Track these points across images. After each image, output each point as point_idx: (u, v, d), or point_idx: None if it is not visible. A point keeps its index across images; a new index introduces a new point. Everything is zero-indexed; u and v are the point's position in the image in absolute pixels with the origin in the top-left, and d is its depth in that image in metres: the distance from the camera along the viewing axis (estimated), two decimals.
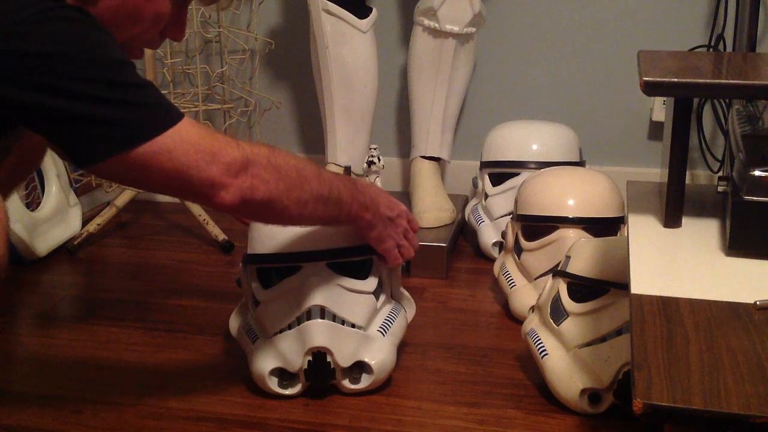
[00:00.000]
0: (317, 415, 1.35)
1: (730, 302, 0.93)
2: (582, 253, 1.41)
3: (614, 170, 2.07)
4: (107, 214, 2.15)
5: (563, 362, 1.34)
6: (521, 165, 1.95)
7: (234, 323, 1.50)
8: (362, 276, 1.42)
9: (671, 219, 1.18)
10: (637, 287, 0.97)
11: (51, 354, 1.58)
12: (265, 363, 1.38)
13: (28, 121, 1.04)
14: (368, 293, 1.42)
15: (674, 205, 1.18)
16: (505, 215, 1.90)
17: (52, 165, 2.12)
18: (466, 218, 2.07)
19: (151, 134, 1.05)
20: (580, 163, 1.99)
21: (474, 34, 2.06)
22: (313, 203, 1.22)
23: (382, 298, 1.46)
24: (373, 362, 1.38)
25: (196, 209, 2.13)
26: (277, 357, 1.37)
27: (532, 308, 1.51)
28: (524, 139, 1.99)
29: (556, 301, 1.40)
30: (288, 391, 1.39)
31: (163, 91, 2.21)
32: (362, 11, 2.03)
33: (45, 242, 2.05)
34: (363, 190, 1.33)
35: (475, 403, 1.39)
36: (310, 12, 2.02)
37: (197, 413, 1.36)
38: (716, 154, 2.18)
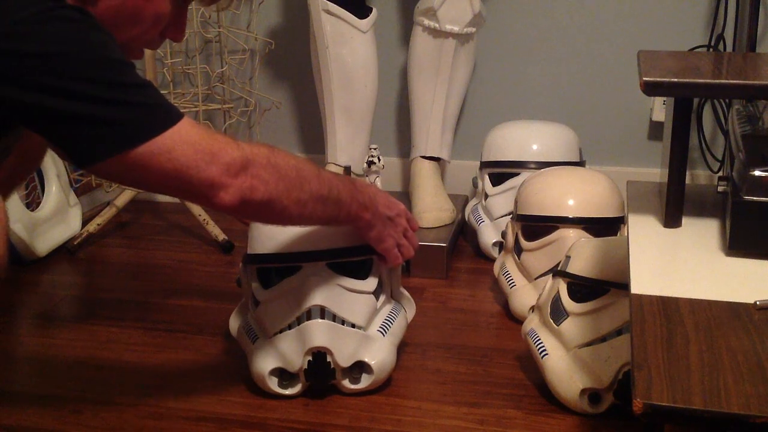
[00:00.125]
0: (317, 415, 1.35)
1: (730, 302, 0.93)
2: (582, 253, 1.41)
3: (614, 170, 2.07)
4: (107, 214, 2.15)
5: (563, 362, 1.34)
6: (521, 165, 1.95)
7: (234, 323, 1.50)
8: (362, 276, 1.42)
9: (671, 219, 1.18)
10: (637, 287, 0.97)
11: (51, 354, 1.58)
12: (265, 363, 1.38)
13: (28, 121, 1.04)
14: (368, 293, 1.42)
15: (674, 205, 1.18)
16: (505, 215, 1.90)
17: (52, 165, 2.12)
18: (466, 218, 2.07)
19: (150, 134, 1.05)
20: (580, 163, 1.99)
21: (474, 34, 2.06)
22: (312, 203, 1.22)
23: (382, 298, 1.46)
24: (373, 362, 1.38)
25: (196, 209, 2.13)
26: (277, 357, 1.37)
27: (532, 308, 1.51)
28: (524, 139, 1.99)
29: (556, 301, 1.40)
30: (288, 391, 1.39)
31: (163, 91, 2.22)
32: (362, 11, 2.03)
33: (45, 242, 2.05)
34: (362, 190, 1.33)
35: (475, 403, 1.39)
36: (310, 12, 2.02)
37: (197, 413, 1.36)
38: (716, 154, 2.18)
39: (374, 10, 2.06)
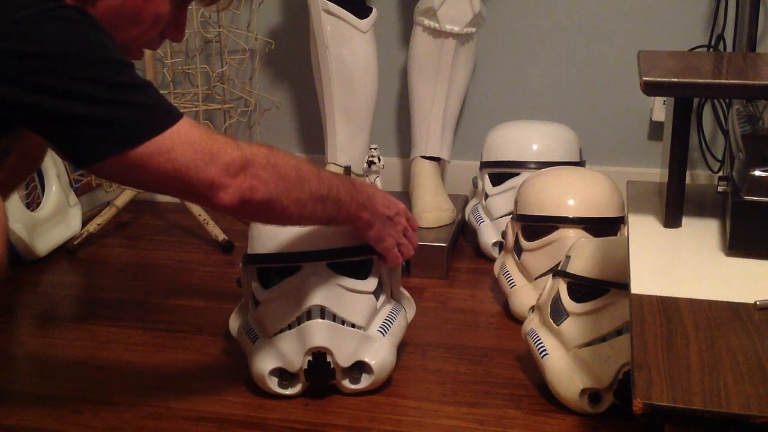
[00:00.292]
0: (317, 415, 1.35)
1: (730, 302, 0.93)
2: (582, 253, 1.41)
3: (614, 170, 2.07)
4: (107, 214, 2.15)
5: (563, 362, 1.34)
6: (521, 165, 1.95)
7: (234, 323, 1.50)
8: (362, 276, 1.42)
9: (671, 219, 1.18)
10: (637, 287, 0.97)
11: (51, 354, 1.58)
12: (265, 363, 1.38)
13: (28, 121, 1.04)
14: (368, 293, 1.42)
15: (674, 205, 1.18)
16: (505, 215, 1.90)
17: (52, 165, 2.12)
18: (466, 218, 2.07)
19: (149, 134, 1.05)
20: (580, 163, 1.99)
21: (474, 34, 2.06)
22: (312, 203, 1.22)
23: (382, 298, 1.46)
24: (373, 362, 1.38)
25: (196, 209, 2.13)
26: (277, 357, 1.37)
27: (532, 308, 1.51)
28: (524, 139, 1.99)
29: (556, 301, 1.40)
30: (288, 391, 1.39)
31: (163, 91, 2.22)
32: (362, 11, 2.03)
33: (45, 242, 2.05)
34: (361, 190, 1.33)
35: (475, 403, 1.39)
36: (310, 12, 2.02)
37: (197, 413, 1.36)
38: (716, 154, 2.18)
39: (374, 10, 2.06)
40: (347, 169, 1.89)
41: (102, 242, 2.16)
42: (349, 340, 1.37)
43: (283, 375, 1.39)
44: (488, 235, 1.96)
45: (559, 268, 1.43)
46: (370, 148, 1.91)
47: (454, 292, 1.84)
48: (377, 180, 1.86)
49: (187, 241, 2.16)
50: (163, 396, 1.41)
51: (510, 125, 2.05)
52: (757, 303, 0.92)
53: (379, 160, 1.89)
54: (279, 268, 1.42)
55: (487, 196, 2.00)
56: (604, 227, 1.64)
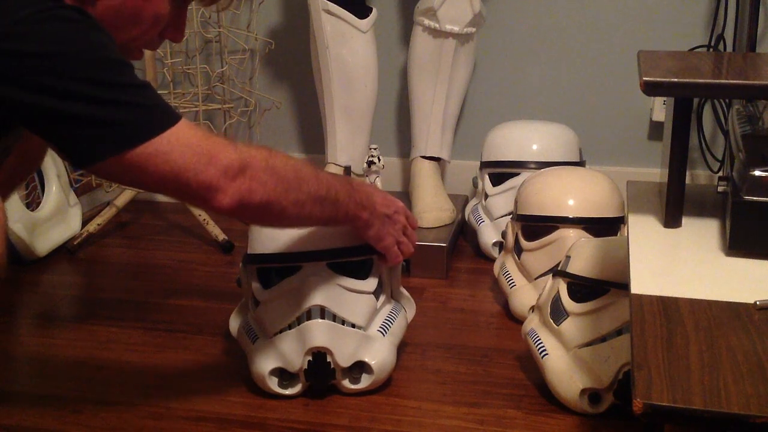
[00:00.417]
0: (317, 415, 1.35)
1: (730, 302, 0.93)
2: (582, 253, 1.41)
3: (614, 170, 2.07)
4: (107, 214, 2.15)
5: (563, 362, 1.34)
6: (521, 165, 1.95)
7: (234, 323, 1.50)
8: (362, 276, 1.42)
9: (671, 219, 1.18)
10: (637, 287, 0.97)
11: (51, 354, 1.58)
12: (265, 363, 1.37)
13: (28, 121, 1.04)
14: (368, 293, 1.42)
15: (674, 205, 1.18)
16: (505, 215, 1.90)
17: (52, 165, 2.12)
18: (466, 218, 2.07)
19: (149, 135, 1.05)
20: (580, 163, 1.99)
21: (474, 34, 2.06)
22: (310, 204, 1.22)
23: (382, 298, 1.46)
24: (373, 362, 1.38)
25: (196, 209, 2.13)
26: (277, 357, 1.37)
27: (532, 308, 1.51)
28: (524, 139, 1.99)
29: (556, 301, 1.40)
30: (288, 391, 1.39)
31: (163, 92, 2.23)
32: (362, 11, 2.03)
33: (45, 242, 2.05)
34: (359, 189, 1.33)
35: (475, 403, 1.39)
36: (310, 12, 2.02)
37: (197, 413, 1.36)
38: (716, 154, 2.18)
39: (374, 10, 2.06)
40: (347, 169, 1.89)
41: (102, 242, 2.16)
42: (349, 340, 1.37)
43: (283, 375, 1.39)
44: (488, 235, 1.96)
45: (559, 268, 1.43)
46: (370, 148, 1.91)
47: (454, 292, 1.84)
48: (377, 180, 1.86)
49: (187, 241, 2.16)
50: (163, 396, 1.41)
51: (510, 125, 2.05)
52: (757, 303, 0.92)
53: (379, 160, 1.89)
54: (279, 268, 1.42)
55: (487, 196, 2.00)
56: (604, 227, 1.64)
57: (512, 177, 1.95)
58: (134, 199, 2.21)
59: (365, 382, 1.39)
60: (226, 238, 2.08)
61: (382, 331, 1.42)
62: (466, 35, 2.03)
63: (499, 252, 1.85)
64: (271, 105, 2.37)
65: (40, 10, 1.00)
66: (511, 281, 1.70)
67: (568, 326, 1.36)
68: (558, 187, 1.68)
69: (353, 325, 1.39)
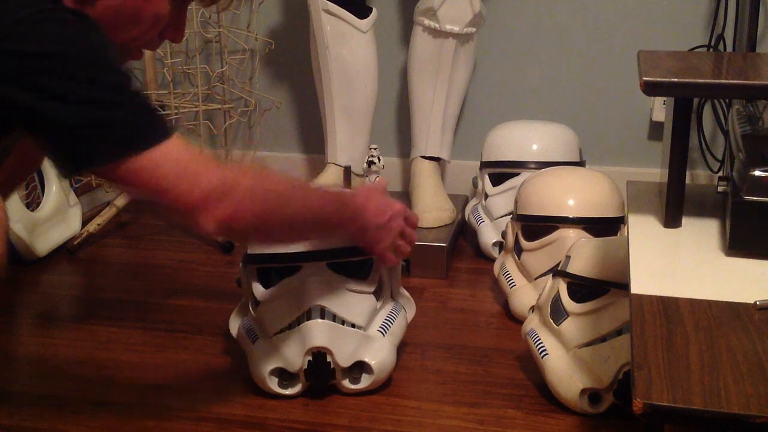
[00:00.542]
0: (317, 415, 1.35)
1: (730, 302, 0.93)
2: (582, 253, 1.41)
3: (614, 170, 2.07)
4: (107, 214, 2.15)
5: (563, 362, 1.34)
6: (521, 165, 1.95)
7: (234, 323, 1.50)
8: (362, 276, 1.42)
9: (671, 219, 1.18)
10: (637, 287, 0.97)
11: (51, 354, 1.58)
12: (265, 363, 1.37)
13: (27, 121, 1.04)
14: (368, 293, 1.42)
15: (674, 205, 1.18)
16: (505, 215, 1.90)
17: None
18: (466, 218, 2.07)
19: (148, 144, 1.04)
20: (580, 163, 1.99)
21: (474, 34, 2.06)
22: (298, 225, 1.23)
23: (382, 298, 1.46)
24: (373, 362, 1.38)
25: None
26: (277, 357, 1.37)
27: (532, 308, 1.51)
28: (524, 139, 1.99)
29: (556, 301, 1.40)
30: (288, 391, 1.39)
31: (162, 92, 2.23)
32: (362, 11, 2.03)
33: (45, 242, 2.05)
34: (349, 202, 1.32)
35: (475, 403, 1.39)
36: (310, 12, 2.02)
37: (197, 413, 1.36)
38: (716, 154, 2.18)
39: (374, 10, 2.06)
40: (347, 169, 1.89)
41: (102, 242, 2.16)
42: (349, 340, 1.37)
43: (283, 375, 1.39)
44: (488, 235, 1.96)
45: (559, 268, 1.43)
46: (370, 148, 1.90)
47: (454, 292, 1.84)
48: (377, 180, 1.85)
49: (187, 241, 2.16)
50: (163, 396, 1.41)
51: (510, 125, 2.05)
52: (757, 303, 0.92)
53: (379, 160, 1.89)
54: (279, 268, 1.42)
55: (487, 196, 2.00)
56: (604, 227, 1.64)
57: (512, 177, 1.95)
58: (134, 199, 2.20)
59: (365, 382, 1.39)
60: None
61: (382, 331, 1.42)
62: (466, 35, 2.03)
63: (499, 252, 1.85)
64: (271, 105, 2.37)
65: (40, 11, 0.99)
66: (511, 281, 1.70)
67: (568, 326, 1.36)
68: (558, 187, 1.68)
69: (353, 325, 1.39)
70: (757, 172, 1.07)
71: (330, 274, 1.39)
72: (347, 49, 2.03)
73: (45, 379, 1.49)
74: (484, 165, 2.02)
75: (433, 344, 1.59)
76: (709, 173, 2.20)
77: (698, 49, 2.12)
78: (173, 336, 1.64)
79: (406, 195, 2.17)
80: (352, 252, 1.41)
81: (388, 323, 1.44)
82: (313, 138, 2.38)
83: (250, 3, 2.27)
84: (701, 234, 1.16)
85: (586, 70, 2.23)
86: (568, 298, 1.38)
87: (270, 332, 1.39)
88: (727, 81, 1.15)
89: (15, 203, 1.96)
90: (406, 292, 1.53)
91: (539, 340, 1.39)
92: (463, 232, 2.12)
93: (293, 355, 1.36)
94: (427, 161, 2.12)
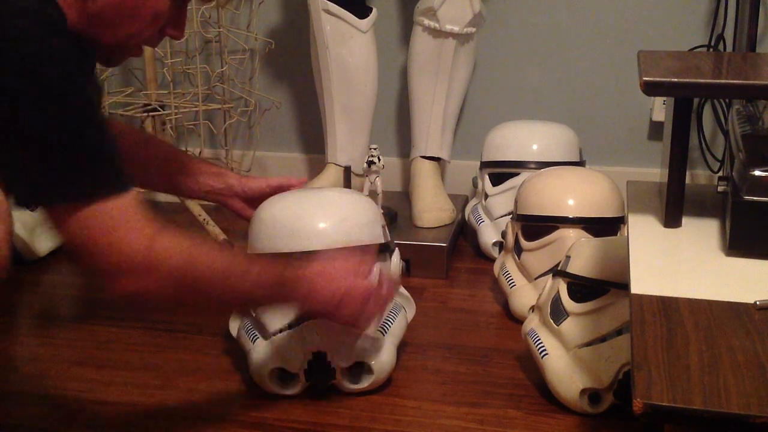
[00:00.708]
0: (317, 415, 1.35)
1: (730, 302, 0.93)
2: (582, 253, 1.41)
3: (614, 170, 2.07)
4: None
5: (563, 362, 1.34)
6: (521, 165, 1.95)
7: (234, 323, 1.50)
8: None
9: (671, 219, 1.18)
10: (637, 287, 0.97)
11: (51, 354, 1.58)
12: (265, 363, 1.37)
13: None
14: None
15: (674, 205, 1.18)
16: (505, 215, 1.90)
17: None
18: (466, 218, 2.07)
19: (99, 196, 1.03)
20: (580, 163, 1.99)
21: (474, 34, 2.06)
22: (217, 307, 1.24)
23: None
24: (373, 362, 1.38)
25: (196, 209, 2.12)
26: (277, 357, 1.37)
27: (532, 308, 1.51)
28: (524, 139, 1.99)
29: (556, 301, 1.40)
30: (288, 391, 1.39)
31: (163, 91, 2.23)
32: (362, 11, 2.03)
33: (45, 242, 2.05)
34: (292, 286, 1.23)
35: (475, 403, 1.39)
36: (310, 12, 2.02)
37: (197, 413, 1.36)
38: (716, 154, 2.18)
39: (374, 10, 2.06)
40: (347, 169, 1.89)
41: None
42: (349, 340, 1.37)
43: (283, 375, 1.39)
44: (488, 235, 1.96)
45: (559, 268, 1.43)
46: (370, 148, 1.90)
47: (454, 292, 1.84)
48: (377, 180, 1.85)
49: None
50: (163, 396, 1.41)
51: (510, 125, 2.04)
52: (757, 303, 0.92)
53: (379, 160, 1.89)
54: None
55: (487, 196, 2.00)
56: (604, 227, 1.64)
57: (512, 177, 1.95)
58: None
59: (365, 382, 1.39)
60: (226, 238, 2.08)
61: (382, 331, 1.42)
62: (466, 35, 2.03)
63: (499, 252, 1.85)
64: (271, 105, 2.37)
65: (38, 51, 0.97)
66: (511, 281, 1.70)
67: (568, 326, 1.36)
68: (558, 187, 1.68)
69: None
70: (757, 172, 1.07)
71: None
72: (347, 49, 2.03)
73: (45, 379, 1.49)
74: (484, 165, 2.02)
75: (433, 344, 1.59)
76: (709, 173, 2.20)
77: (698, 49, 2.12)
78: (173, 336, 1.63)
79: (406, 195, 2.17)
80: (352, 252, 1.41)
81: (388, 323, 1.44)
82: (313, 138, 2.38)
83: (250, 3, 2.27)
84: (701, 234, 1.16)
85: (586, 70, 2.23)
86: (568, 298, 1.38)
87: (270, 332, 1.39)
88: (727, 81, 1.15)
89: None
90: (406, 292, 1.53)
91: (539, 340, 1.39)
92: (463, 232, 2.12)
93: (293, 355, 1.36)
94: (427, 161, 2.12)
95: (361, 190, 1.86)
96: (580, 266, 1.39)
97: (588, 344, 1.33)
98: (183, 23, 1.20)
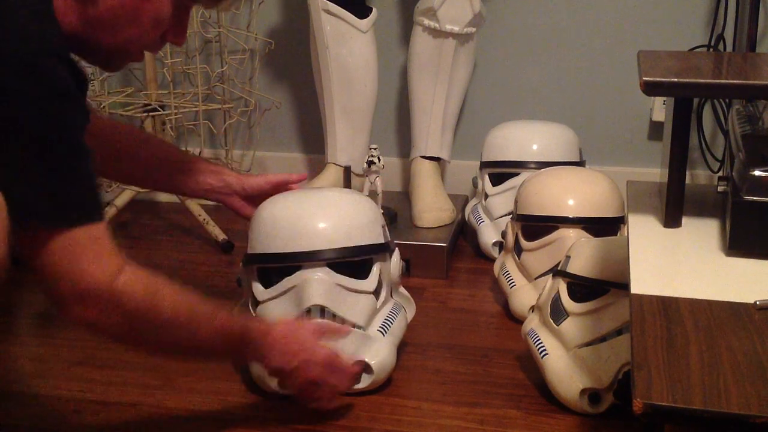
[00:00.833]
0: (317, 415, 1.35)
1: (730, 302, 0.93)
2: (582, 253, 1.41)
3: (614, 170, 2.07)
4: (107, 214, 2.15)
5: (563, 362, 1.34)
6: (521, 165, 1.95)
7: None
8: (362, 276, 1.42)
9: (671, 219, 1.18)
10: (637, 287, 0.97)
11: (51, 354, 1.58)
12: None
13: None
14: (368, 293, 1.42)
15: (674, 205, 1.18)
16: (505, 215, 1.90)
17: None
18: (466, 218, 2.07)
19: (71, 222, 1.03)
20: (580, 163, 1.99)
21: (474, 34, 2.06)
22: (172, 351, 1.23)
23: (382, 297, 1.46)
24: (373, 362, 1.38)
25: (196, 209, 2.13)
26: None
27: (532, 308, 1.51)
28: (524, 139, 1.99)
29: (556, 301, 1.40)
30: (288, 391, 1.39)
31: (163, 91, 2.23)
32: (362, 11, 2.03)
33: None
34: (251, 343, 1.23)
35: (475, 403, 1.39)
36: (310, 12, 2.02)
37: (197, 413, 1.36)
38: (716, 154, 2.18)
39: (374, 10, 2.06)
40: (347, 169, 1.89)
41: None
42: (349, 340, 1.37)
43: None
44: (488, 235, 1.96)
45: (559, 268, 1.43)
46: (370, 148, 1.90)
47: (454, 292, 1.84)
48: (377, 180, 1.85)
49: (187, 241, 2.16)
50: (163, 396, 1.41)
51: (510, 125, 2.05)
52: (757, 303, 0.92)
53: (379, 160, 1.89)
54: (279, 268, 1.42)
55: (487, 196, 2.00)
56: (604, 227, 1.64)
57: (512, 177, 1.95)
58: (134, 199, 2.20)
59: (365, 382, 1.39)
60: (226, 238, 2.08)
61: (382, 331, 1.42)
62: (466, 35, 2.03)
63: (499, 252, 1.85)
64: (271, 105, 2.36)
65: (33, 76, 0.97)
66: (511, 281, 1.70)
67: (568, 326, 1.36)
68: (558, 187, 1.68)
69: (353, 325, 1.39)
70: (757, 172, 1.07)
71: (330, 274, 1.39)
72: (347, 49, 2.03)
73: (45, 379, 1.49)
74: (484, 165, 2.03)
75: (433, 344, 1.59)
76: (709, 173, 2.20)
77: (698, 49, 2.12)
78: None
79: (406, 195, 2.17)
80: (353, 252, 1.41)
81: (388, 323, 1.44)
82: (313, 138, 2.38)
83: (250, 3, 2.27)
84: (701, 234, 1.16)
85: (586, 70, 2.23)
86: (568, 298, 1.38)
87: None
88: (727, 81, 1.15)
89: None
90: (406, 292, 1.53)
91: (539, 340, 1.39)
92: (463, 232, 2.12)
93: None
94: (427, 161, 2.12)
95: (361, 190, 1.86)
96: (580, 266, 1.39)
97: (588, 344, 1.33)
98: (185, 30, 1.19)
